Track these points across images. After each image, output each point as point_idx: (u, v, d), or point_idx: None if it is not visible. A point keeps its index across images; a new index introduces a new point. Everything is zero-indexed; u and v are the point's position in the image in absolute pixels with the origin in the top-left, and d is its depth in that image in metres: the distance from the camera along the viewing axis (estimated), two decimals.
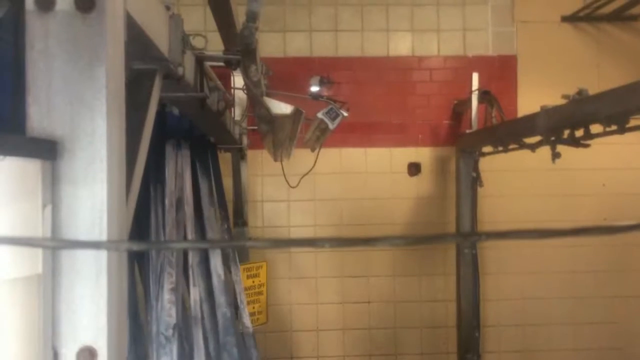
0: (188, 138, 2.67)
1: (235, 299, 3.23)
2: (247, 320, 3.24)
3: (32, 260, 0.87)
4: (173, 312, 2.36)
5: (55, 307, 0.91)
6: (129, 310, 2.19)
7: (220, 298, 2.73)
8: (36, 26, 0.92)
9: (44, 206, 0.89)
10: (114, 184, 0.95)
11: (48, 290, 0.89)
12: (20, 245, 0.82)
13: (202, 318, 2.61)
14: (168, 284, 2.37)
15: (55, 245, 0.89)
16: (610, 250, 4.55)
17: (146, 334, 2.42)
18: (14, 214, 0.84)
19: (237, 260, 3.28)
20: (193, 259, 2.60)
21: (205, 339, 2.60)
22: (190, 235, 2.57)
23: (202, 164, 2.81)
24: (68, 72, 0.92)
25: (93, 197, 0.91)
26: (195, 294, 2.59)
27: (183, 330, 2.48)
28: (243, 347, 3.11)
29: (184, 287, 2.56)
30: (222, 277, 2.75)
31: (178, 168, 2.56)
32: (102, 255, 0.91)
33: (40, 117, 0.91)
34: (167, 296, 2.36)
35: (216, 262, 2.73)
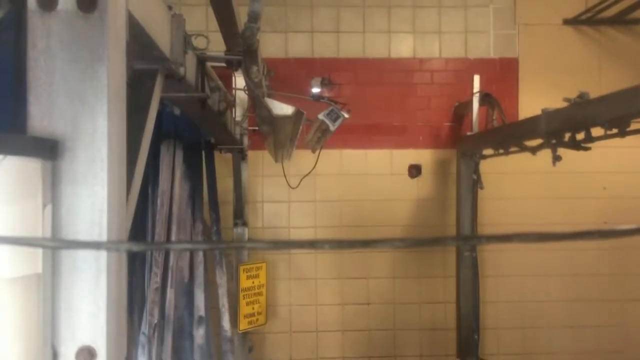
0: (183, 139, 2.67)
1: (218, 302, 3.24)
2: (226, 323, 3.25)
3: (32, 260, 0.87)
4: (155, 312, 2.36)
5: (55, 307, 0.90)
6: None
7: (180, 301, 2.72)
8: (38, 25, 0.92)
9: (44, 206, 0.89)
10: (114, 183, 0.95)
11: (48, 290, 0.89)
12: (21, 245, 0.82)
13: (173, 321, 2.60)
14: (153, 283, 2.37)
15: (55, 245, 0.89)
16: (612, 254, 4.54)
17: (129, 335, 2.42)
18: (14, 214, 0.84)
19: (224, 263, 3.27)
20: (173, 260, 2.59)
21: (173, 341, 2.60)
22: (173, 236, 2.56)
23: (189, 166, 2.81)
24: (69, 72, 0.92)
25: (93, 196, 0.91)
26: (171, 294, 2.58)
27: (162, 331, 2.48)
28: (217, 352, 3.11)
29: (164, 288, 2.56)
30: (186, 279, 2.73)
31: (174, 169, 2.56)
32: (102, 255, 0.91)
33: (41, 116, 0.91)
34: (151, 296, 2.36)
35: (182, 264, 2.71)
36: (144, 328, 2.32)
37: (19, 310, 0.85)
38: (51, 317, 0.90)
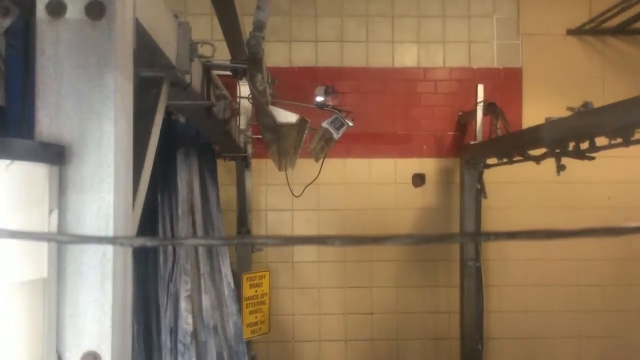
0: (196, 146, 2.68)
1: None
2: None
3: (37, 264, 0.87)
4: (190, 319, 2.37)
5: (60, 312, 0.91)
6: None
7: (233, 306, 2.75)
8: (47, 33, 0.93)
9: (51, 211, 0.89)
10: (120, 189, 0.95)
11: (53, 295, 0.89)
12: (32, 240, 0.82)
13: (215, 326, 2.61)
14: (184, 291, 2.37)
15: (66, 240, 0.89)
16: (616, 264, 4.52)
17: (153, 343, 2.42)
18: (20, 219, 0.84)
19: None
20: (204, 267, 2.61)
21: (218, 346, 2.60)
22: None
23: (211, 172, 2.83)
24: (77, 78, 0.93)
25: (100, 202, 0.91)
26: (207, 301, 2.59)
27: (204, 337, 2.49)
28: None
29: (198, 295, 2.57)
30: (232, 285, 2.77)
31: (190, 176, 2.58)
32: (108, 259, 0.91)
33: (49, 122, 0.92)
34: (183, 304, 2.36)
35: (227, 270, 2.76)
36: (180, 337, 2.33)
37: (24, 314, 0.85)
38: (56, 322, 0.90)
